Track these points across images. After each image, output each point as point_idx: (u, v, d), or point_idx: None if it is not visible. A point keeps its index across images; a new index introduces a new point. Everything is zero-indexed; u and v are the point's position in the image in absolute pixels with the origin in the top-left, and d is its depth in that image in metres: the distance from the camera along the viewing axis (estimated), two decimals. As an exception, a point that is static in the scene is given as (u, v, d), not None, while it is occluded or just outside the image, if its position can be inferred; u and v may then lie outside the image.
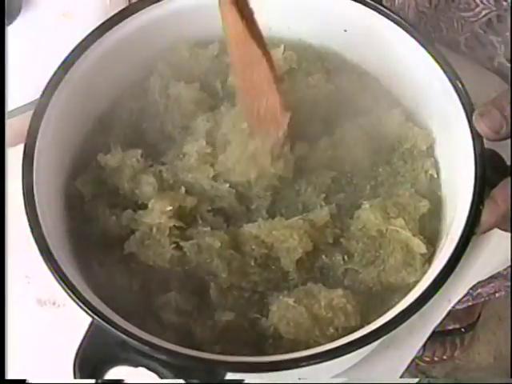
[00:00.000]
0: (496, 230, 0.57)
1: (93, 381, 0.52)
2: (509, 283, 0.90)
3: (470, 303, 0.96)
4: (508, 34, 0.79)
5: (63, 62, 0.62)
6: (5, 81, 0.65)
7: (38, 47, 0.73)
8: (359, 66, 0.71)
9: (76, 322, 0.53)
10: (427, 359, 1.21)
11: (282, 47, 0.70)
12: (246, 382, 0.56)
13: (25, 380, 0.62)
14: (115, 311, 0.54)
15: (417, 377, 1.08)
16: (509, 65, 0.81)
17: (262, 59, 0.58)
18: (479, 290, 0.91)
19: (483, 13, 0.79)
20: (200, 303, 0.59)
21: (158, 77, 0.68)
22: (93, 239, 0.62)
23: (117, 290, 0.59)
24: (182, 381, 0.52)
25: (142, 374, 0.53)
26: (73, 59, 0.63)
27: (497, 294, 0.93)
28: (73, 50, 0.63)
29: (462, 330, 1.20)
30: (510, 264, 0.73)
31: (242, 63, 0.60)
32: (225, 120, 0.64)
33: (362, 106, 0.68)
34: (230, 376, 0.52)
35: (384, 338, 0.53)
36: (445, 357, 1.19)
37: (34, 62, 0.71)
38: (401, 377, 0.69)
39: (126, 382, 0.55)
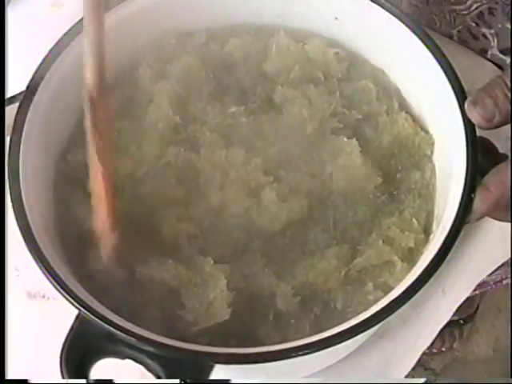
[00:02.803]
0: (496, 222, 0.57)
1: (83, 381, 0.52)
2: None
3: (476, 292, 0.95)
4: (500, 25, 0.79)
5: (50, 52, 0.61)
6: (5, 78, 0.64)
7: (27, 37, 0.73)
8: (357, 54, 0.70)
9: (66, 315, 0.52)
10: (426, 351, 1.22)
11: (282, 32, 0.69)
12: (232, 382, 0.55)
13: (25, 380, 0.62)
14: (104, 304, 0.53)
15: (414, 369, 1.07)
16: (502, 56, 0.81)
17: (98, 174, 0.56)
18: (485, 278, 0.90)
19: (474, 6, 0.79)
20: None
21: (146, 65, 0.68)
22: (81, 231, 0.61)
23: (105, 282, 0.58)
24: (176, 381, 0.51)
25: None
26: (60, 49, 0.62)
27: (504, 281, 0.92)
28: (59, 40, 0.62)
29: (461, 321, 1.19)
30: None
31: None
32: None
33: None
34: (215, 375, 0.51)
35: (376, 327, 0.53)
36: (443, 349, 1.17)
37: (22, 53, 0.70)
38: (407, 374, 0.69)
39: (115, 381, 0.54)
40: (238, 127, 0.65)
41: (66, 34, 0.62)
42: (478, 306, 1.22)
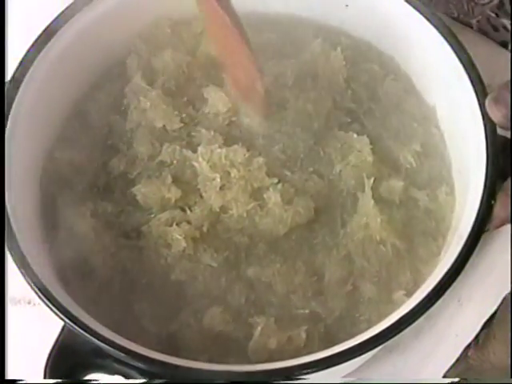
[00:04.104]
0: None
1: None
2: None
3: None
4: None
5: (37, 40, 0.60)
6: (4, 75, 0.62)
7: (17, 24, 0.71)
8: (363, 41, 0.69)
9: (53, 323, 0.51)
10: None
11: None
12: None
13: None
14: (94, 315, 0.52)
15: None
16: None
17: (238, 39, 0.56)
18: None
19: (494, -5, 0.77)
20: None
21: (135, 56, 0.66)
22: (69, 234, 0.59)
23: (95, 291, 0.57)
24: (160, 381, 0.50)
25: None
26: (47, 37, 0.60)
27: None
28: (47, 28, 0.60)
29: (477, 326, 1.18)
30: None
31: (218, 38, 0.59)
32: None
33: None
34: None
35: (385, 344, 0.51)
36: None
37: (11, 40, 0.69)
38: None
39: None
40: (238, 124, 0.63)
41: (54, 20, 0.61)
42: (495, 311, 1.20)
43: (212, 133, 0.62)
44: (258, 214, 0.59)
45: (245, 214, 0.59)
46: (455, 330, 0.67)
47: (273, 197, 0.59)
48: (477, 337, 1.09)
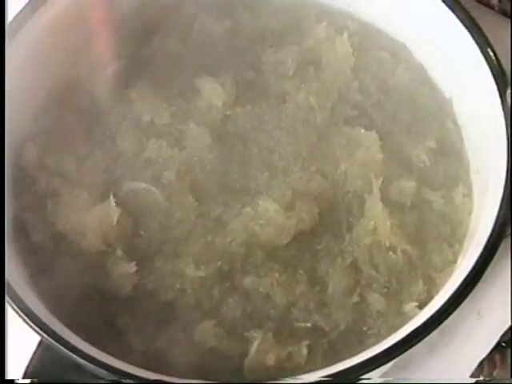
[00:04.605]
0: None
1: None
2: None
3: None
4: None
5: (14, 20, 0.59)
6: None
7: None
8: (372, 25, 0.68)
9: (28, 337, 0.50)
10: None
11: None
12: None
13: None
14: (71, 327, 0.50)
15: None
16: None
17: None
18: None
19: (518, -32, 0.76)
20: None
21: None
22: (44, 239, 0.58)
23: (72, 302, 0.55)
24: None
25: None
26: (25, 17, 0.59)
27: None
28: (23, 9, 0.59)
29: (503, 344, 1.15)
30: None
31: None
32: None
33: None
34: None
35: (395, 360, 0.50)
36: (482, 377, 1.13)
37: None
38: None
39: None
40: (231, 118, 0.62)
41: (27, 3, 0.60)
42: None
43: (202, 128, 0.61)
44: (255, 222, 0.58)
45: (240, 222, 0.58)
46: (474, 345, 0.65)
47: (271, 200, 0.58)
48: (504, 356, 1.08)
